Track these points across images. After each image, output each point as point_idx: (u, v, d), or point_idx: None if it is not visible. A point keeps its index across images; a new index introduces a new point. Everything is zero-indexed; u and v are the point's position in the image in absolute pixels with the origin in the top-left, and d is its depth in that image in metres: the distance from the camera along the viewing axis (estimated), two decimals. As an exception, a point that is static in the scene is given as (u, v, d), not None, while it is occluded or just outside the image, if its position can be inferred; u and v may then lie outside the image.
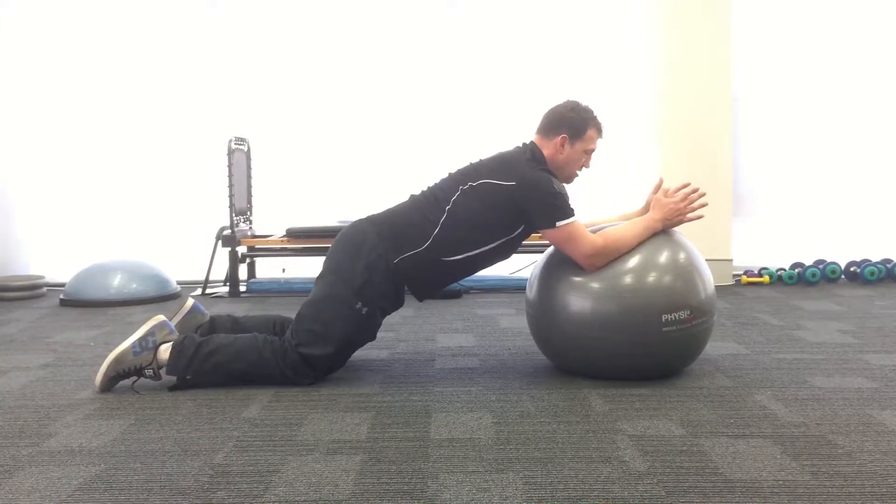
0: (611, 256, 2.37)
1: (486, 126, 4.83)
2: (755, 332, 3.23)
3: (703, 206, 2.48)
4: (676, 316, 2.32)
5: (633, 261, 2.37)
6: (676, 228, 2.51)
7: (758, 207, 5.00)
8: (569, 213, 2.40)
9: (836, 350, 2.87)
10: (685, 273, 2.38)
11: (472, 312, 3.82)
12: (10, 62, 5.01)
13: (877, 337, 3.10)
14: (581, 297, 2.39)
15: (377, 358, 2.83)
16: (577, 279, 2.40)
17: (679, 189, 2.49)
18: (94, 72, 5.03)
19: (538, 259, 2.64)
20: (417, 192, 2.60)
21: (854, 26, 4.92)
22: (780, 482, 1.63)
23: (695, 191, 2.48)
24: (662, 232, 2.45)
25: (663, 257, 2.38)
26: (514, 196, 2.41)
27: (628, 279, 2.35)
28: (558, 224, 2.38)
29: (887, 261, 4.73)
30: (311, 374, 2.44)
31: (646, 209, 2.55)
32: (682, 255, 2.41)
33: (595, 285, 2.37)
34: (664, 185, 2.55)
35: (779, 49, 4.94)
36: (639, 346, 2.35)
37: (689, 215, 2.48)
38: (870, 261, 4.73)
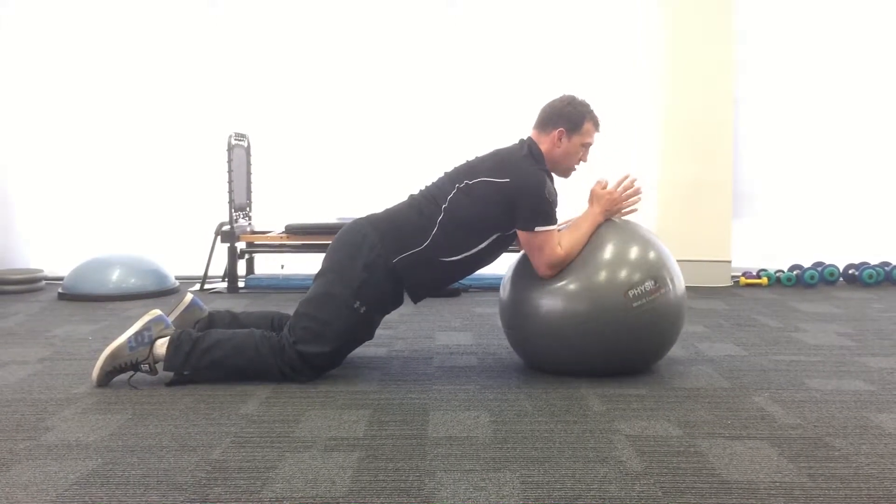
0: (567, 263, 2.44)
1: (486, 125, 4.83)
2: (753, 333, 3.23)
3: (638, 196, 2.56)
4: (642, 289, 2.35)
5: (591, 246, 2.44)
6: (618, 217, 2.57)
7: (757, 209, 5.00)
8: (551, 221, 2.43)
9: (833, 352, 2.87)
10: (642, 248, 2.44)
11: (471, 311, 3.82)
12: (10, 59, 5.01)
13: (874, 340, 3.10)
14: (548, 293, 2.44)
15: (375, 355, 2.83)
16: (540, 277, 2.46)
17: (619, 181, 2.55)
18: (94, 68, 5.03)
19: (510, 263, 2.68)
20: (416, 191, 2.61)
21: (856, 29, 4.93)
22: (777, 484, 1.63)
23: (631, 184, 2.55)
24: (608, 221, 2.52)
25: (613, 238, 2.45)
26: (508, 192, 2.42)
27: (588, 263, 2.41)
28: (537, 229, 2.40)
29: (886, 264, 4.74)
30: (308, 371, 2.44)
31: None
32: (627, 232, 2.48)
33: (557, 281, 2.43)
34: (598, 179, 2.60)
35: (780, 51, 4.94)
36: (611, 327, 2.37)
37: (626, 207, 2.55)
38: (868, 263, 4.73)
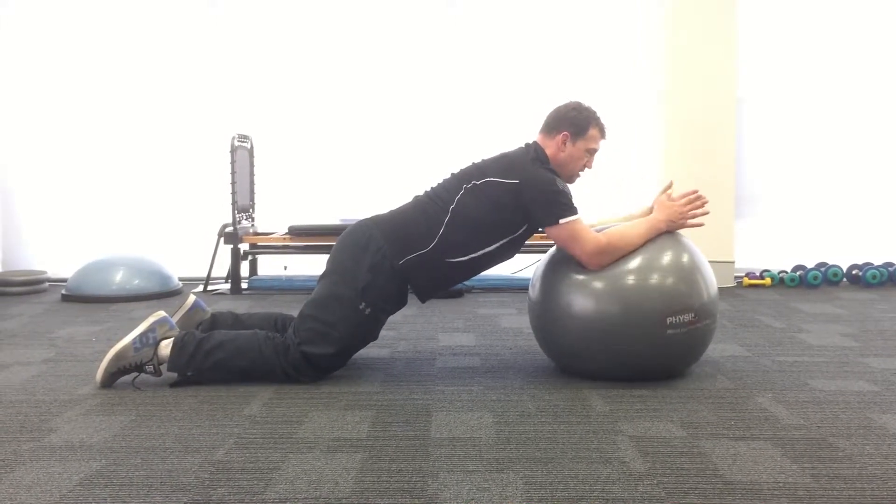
0: (615, 255, 2.37)
1: (487, 126, 4.84)
2: (756, 334, 3.23)
3: (706, 213, 2.50)
4: (681, 318, 2.32)
5: (637, 261, 2.37)
6: (680, 231, 2.51)
7: (760, 209, 5.00)
8: (572, 210, 2.40)
9: (837, 353, 2.87)
10: (689, 275, 2.38)
11: (474, 312, 3.82)
12: (11, 60, 5.02)
13: (878, 340, 3.09)
14: (584, 298, 2.39)
15: (378, 356, 2.83)
16: (581, 279, 2.40)
17: (685, 195, 2.50)
18: (97, 69, 5.03)
19: (541, 259, 2.64)
20: (421, 192, 2.61)
21: (858, 30, 4.92)
22: (781, 484, 1.63)
23: (699, 197, 2.49)
24: (666, 233, 2.45)
25: (667, 259, 2.38)
26: (518, 194, 2.42)
27: (632, 280, 2.35)
28: (561, 221, 2.38)
29: (889, 264, 4.73)
30: (312, 372, 2.44)
31: (650, 210, 2.56)
32: (685, 257, 2.41)
33: (598, 285, 2.37)
34: (671, 190, 2.55)
35: (783, 51, 4.93)
36: (643, 348, 2.34)
37: (691, 220, 2.48)
38: (872, 264, 4.72)
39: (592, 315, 2.37)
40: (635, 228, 2.42)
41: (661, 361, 2.41)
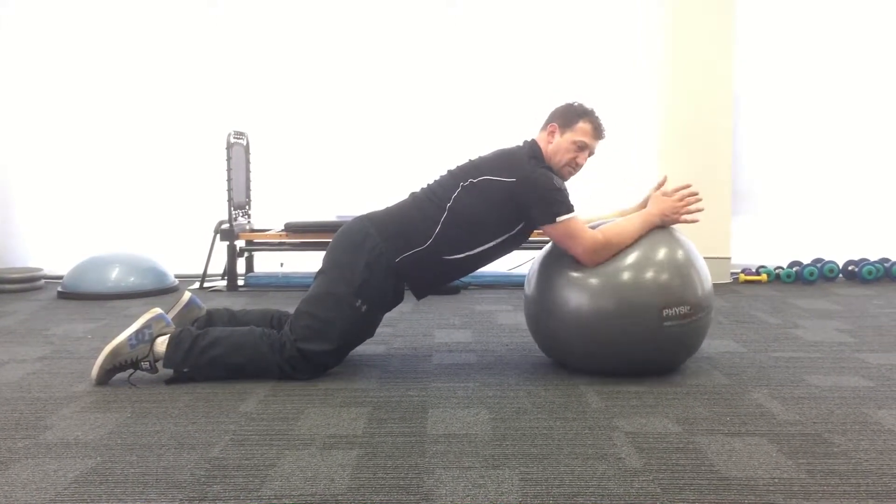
0: (611, 252, 2.37)
1: (485, 125, 4.83)
2: (752, 330, 3.23)
3: (700, 210, 2.49)
4: (677, 311, 2.32)
5: (633, 256, 2.37)
6: (675, 225, 2.51)
7: (756, 206, 5.00)
8: (569, 208, 2.40)
9: (833, 349, 2.87)
10: (684, 269, 2.38)
11: (470, 308, 3.82)
12: (10, 58, 5.00)
13: (874, 336, 3.10)
14: (580, 293, 2.39)
15: (374, 353, 2.83)
16: (576, 275, 2.40)
17: (678, 189, 2.50)
18: (93, 66, 5.02)
19: (536, 255, 2.64)
20: (417, 189, 2.60)
21: (855, 26, 4.92)
22: (776, 480, 1.63)
23: (693, 193, 2.49)
24: (660, 228, 2.45)
25: (662, 253, 2.39)
26: (515, 192, 2.41)
27: (628, 275, 2.35)
28: (558, 219, 2.38)
29: (885, 260, 4.73)
30: (308, 369, 2.44)
31: (643, 205, 2.56)
32: (680, 252, 2.41)
33: (594, 281, 2.37)
34: (665, 186, 2.55)
35: (779, 48, 4.93)
36: (639, 342, 2.35)
37: (685, 216, 2.48)
38: (868, 260, 4.73)
39: (588, 310, 2.37)
40: (630, 223, 2.42)
41: (658, 356, 2.42)
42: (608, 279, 2.36)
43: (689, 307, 2.34)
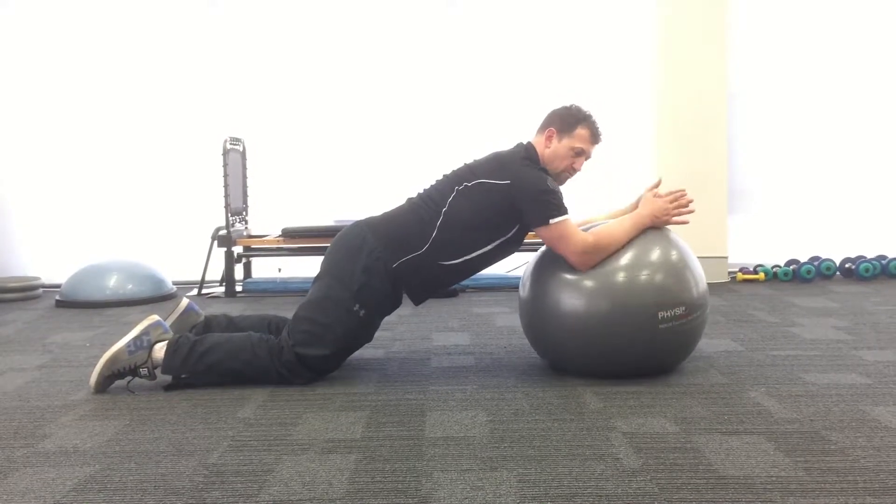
0: (603, 254, 2.37)
1: (485, 126, 4.84)
2: (750, 328, 3.24)
3: (690, 212, 2.49)
4: (672, 313, 2.33)
5: (627, 258, 2.37)
6: (671, 228, 2.51)
7: (753, 204, 5.01)
8: (562, 210, 2.40)
9: (830, 346, 2.88)
10: (679, 270, 2.39)
11: (468, 311, 3.82)
12: (7, 63, 5.01)
13: (871, 333, 3.10)
14: (575, 296, 2.39)
15: (373, 357, 2.83)
16: (571, 277, 2.40)
17: (671, 192, 2.50)
18: (90, 72, 5.03)
19: (530, 258, 2.65)
20: (414, 194, 2.60)
21: (850, 24, 4.93)
22: (774, 478, 1.64)
23: (685, 195, 2.49)
24: (654, 229, 2.46)
25: (656, 254, 2.39)
26: (509, 195, 2.42)
27: (622, 277, 2.35)
28: (551, 221, 2.38)
29: (882, 257, 4.74)
30: (306, 374, 2.44)
31: (635, 206, 2.56)
32: (674, 253, 2.41)
33: (589, 283, 2.37)
34: (658, 188, 2.55)
35: (774, 46, 4.94)
36: (635, 344, 2.35)
37: (676, 218, 2.48)
38: (864, 257, 4.74)
39: (583, 313, 2.37)
40: (620, 225, 2.42)
41: (654, 357, 2.42)
42: (602, 281, 2.36)
43: (684, 308, 2.34)
